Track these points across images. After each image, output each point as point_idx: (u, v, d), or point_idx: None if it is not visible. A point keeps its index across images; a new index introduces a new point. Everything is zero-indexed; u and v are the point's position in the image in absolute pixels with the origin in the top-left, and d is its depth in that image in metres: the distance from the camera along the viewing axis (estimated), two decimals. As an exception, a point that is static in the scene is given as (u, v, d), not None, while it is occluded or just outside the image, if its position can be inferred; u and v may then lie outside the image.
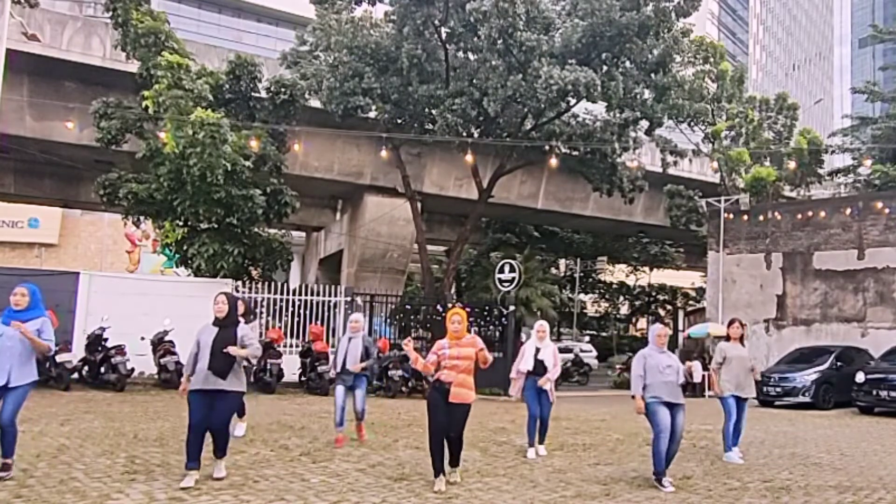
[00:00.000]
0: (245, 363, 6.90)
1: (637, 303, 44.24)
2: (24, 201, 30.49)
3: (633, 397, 7.17)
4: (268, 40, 51.04)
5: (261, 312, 16.15)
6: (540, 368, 8.47)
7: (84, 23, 21.95)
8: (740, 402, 8.93)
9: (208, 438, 6.39)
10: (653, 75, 20.33)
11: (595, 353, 35.74)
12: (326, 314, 17.49)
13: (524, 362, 8.55)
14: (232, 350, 6.32)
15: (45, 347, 6.28)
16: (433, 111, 19.76)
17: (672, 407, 7.11)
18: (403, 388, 15.89)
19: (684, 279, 43.89)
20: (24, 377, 6.19)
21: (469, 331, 7.10)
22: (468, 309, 19.00)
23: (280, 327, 16.69)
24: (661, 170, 26.07)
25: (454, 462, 6.80)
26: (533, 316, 27.13)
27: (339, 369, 8.72)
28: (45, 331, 6.29)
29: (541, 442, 8.77)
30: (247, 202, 16.86)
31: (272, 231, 21.16)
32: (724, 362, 8.97)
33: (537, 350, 8.55)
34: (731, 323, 9.50)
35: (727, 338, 9.29)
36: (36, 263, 39.42)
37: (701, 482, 7.29)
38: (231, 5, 55.20)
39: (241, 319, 6.88)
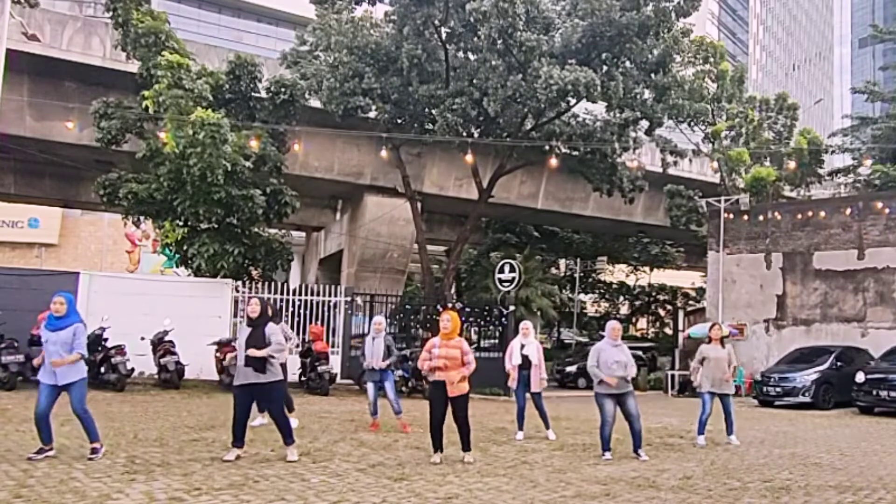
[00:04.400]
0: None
1: (637, 303, 44.17)
2: (24, 201, 30.45)
3: (601, 382, 8.42)
4: (268, 40, 50.96)
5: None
6: (525, 362, 9.85)
7: (84, 23, 21.92)
8: (722, 397, 10.08)
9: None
10: (653, 75, 20.32)
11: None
12: (326, 314, 17.49)
13: (513, 358, 9.92)
14: (251, 352, 7.11)
15: (76, 358, 7.03)
16: (433, 111, 19.74)
17: (619, 396, 8.43)
18: (403, 389, 15.89)
19: (684, 279, 43.83)
20: (72, 376, 6.98)
21: (469, 332, 7.88)
22: (468, 309, 19.12)
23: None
24: (661, 170, 26.06)
25: (466, 446, 7.82)
26: (533, 316, 27.15)
27: (368, 367, 10.10)
28: (78, 336, 7.07)
29: (547, 427, 10.09)
30: (247, 202, 16.86)
31: (272, 231, 21.15)
32: (704, 362, 10.13)
33: (522, 346, 9.92)
34: (712, 326, 10.85)
35: (708, 339, 10.34)
36: (36, 263, 39.39)
37: (701, 482, 7.29)
38: (231, 5, 55.12)
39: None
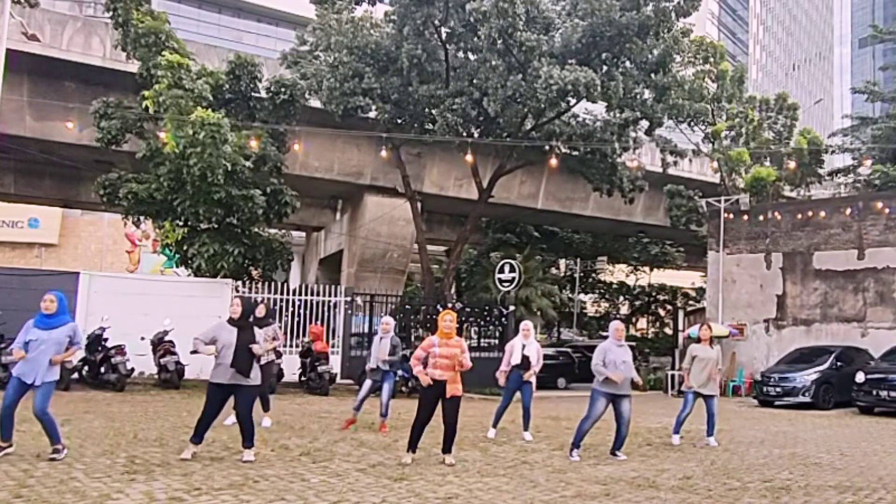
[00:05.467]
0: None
1: (637, 303, 44.17)
2: (24, 201, 30.47)
3: (606, 379, 8.31)
4: (268, 40, 50.96)
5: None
6: (525, 363, 9.85)
7: (84, 23, 21.93)
8: (707, 398, 10.00)
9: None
10: (653, 75, 20.31)
11: None
12: (326, 314, 17.50)
13: (514, 357, 9.90)
14: (255, 348, 7.16)
15: (74, 352, 7.12)
16: (433, 111, 19.75)
17: (618, 398, 8.38)
18: (403, 388, 15.88)
19: (684, 279, 43.83)
20: (48, 376, 6.94)
21: (469, 331, 7.81)
22: (468, 309, 19.11)
23: (280, 327, 16.71)
24: (661, 170, 26.06)
25: (448, 449, 7.73)
26: (533, 315, 27.16)
27: (372, 366, 10.03)
28: (78, 334, 7.13)
29: (525, 428, 9.96)
30: (247, 202, 16.86)
31: (272, 231, 21.15)
32: (694, 361, 10.09)
33: (523, 346, 9.92)
34: (700, 326, 10.85)
35: (698, 339, 10.34)
36: (36, 263, 39.38)
37: (701, 482, 7.29)
38: (231, 5, 55.10)
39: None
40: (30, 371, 6.85)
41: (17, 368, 6.93)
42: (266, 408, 10.05)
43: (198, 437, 7.30)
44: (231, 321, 7.36)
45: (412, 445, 7.68)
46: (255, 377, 7.33)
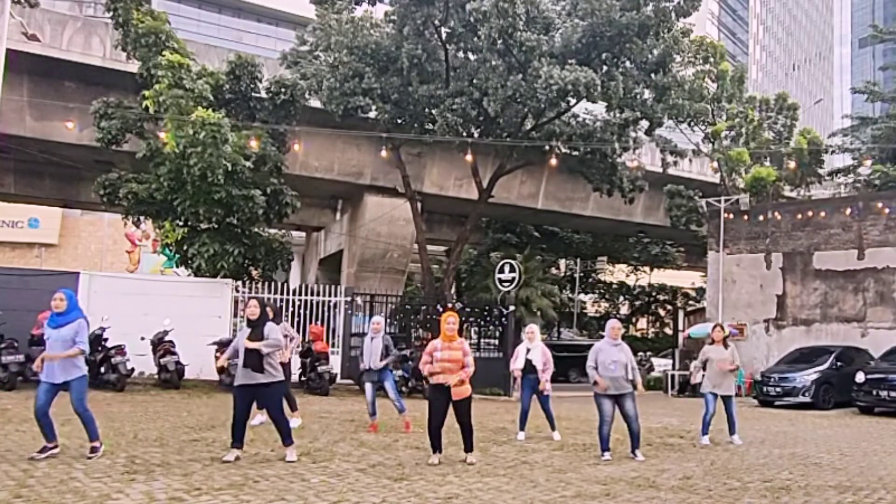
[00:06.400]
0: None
1: (637, 303, 44.20)
2: (24, 201, 30.45)
3: (594, 383, 8.41)
4: (268, 40, 50.96)
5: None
6: (529, 367, 9.83)
7: (84, 23, 21.93)
8: (725, 399, 10.15)
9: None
10: (653, 75, 20.30)
11: None
12: (326, 314, 17.49)
13: (518, 361, 9.95)
14: (247, 343, 7.12)
15: (75, 353, 7.02)
16: (433, 111, 19.74)
17: (618, 397, 8.36)
18: (403, 389, 15.85)
19: (684, 279, 43.86)
20: (72, 373, 6.98)
21: (469, 332, 7.85)
22: (468, 309, 19.10)
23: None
24: (661, 170, 26.06)
25: (469, 447, 7.83)
26: (533, 316, 27.16)
27: (365, 367, 10.00)
28: (81, 333, 7.03)
29: (553, 429, 10.11)
30: (247, 202, 16.85)
31: (272, 231, 21.15)
32: (707, 363, 10.18)
33: (528, 350, 9.88)
34: (714, 327, 10.80)
35: (711, 340, 10.39)
36: (36, 263, 39.37)
37: (701, 482, 7.29)
38: (231, 5, 55.10)
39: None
40: (50, 371, 6.93)
41: (42, 373, 7.04)
42: (293, 406, 10.12)
43: (238, 442, 7.33)
44: (248, 322, 7.40)
45: (435, 447, 7.72)
46: (275, 373, 7.30)
